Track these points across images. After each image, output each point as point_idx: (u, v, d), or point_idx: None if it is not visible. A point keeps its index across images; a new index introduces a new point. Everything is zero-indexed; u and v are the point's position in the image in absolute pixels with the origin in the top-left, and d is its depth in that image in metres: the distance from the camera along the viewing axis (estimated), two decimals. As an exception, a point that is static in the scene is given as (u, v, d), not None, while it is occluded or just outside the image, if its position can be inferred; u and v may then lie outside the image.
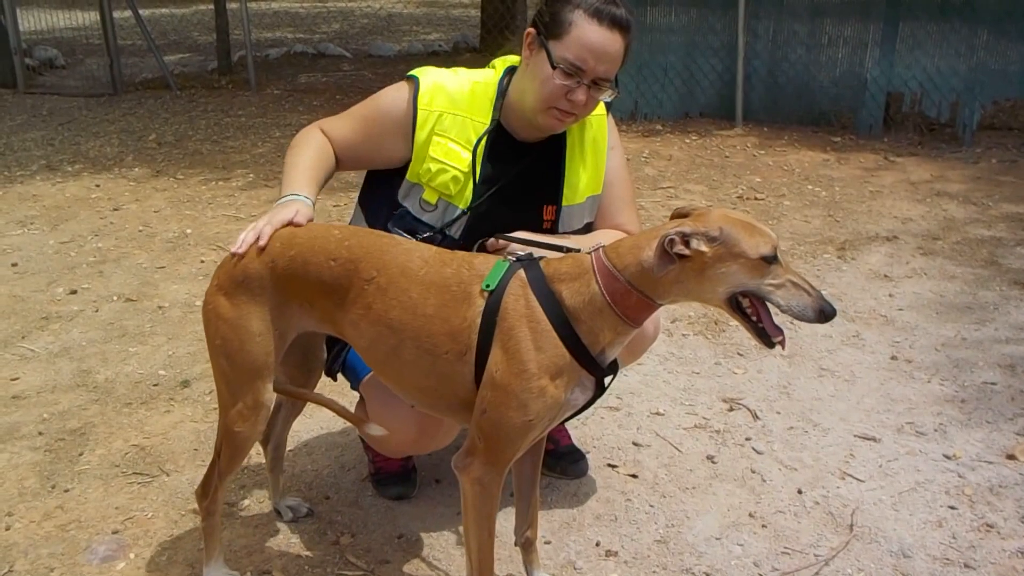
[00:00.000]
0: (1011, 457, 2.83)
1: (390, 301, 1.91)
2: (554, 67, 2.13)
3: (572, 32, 2.13)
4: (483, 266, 1.90)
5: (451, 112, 2.26)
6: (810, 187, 6.05)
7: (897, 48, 7.33)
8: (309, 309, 2.02)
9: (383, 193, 2.36)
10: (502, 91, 2.29)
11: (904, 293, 4.21)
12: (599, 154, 2.39)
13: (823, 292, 1.80)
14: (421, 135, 2.25)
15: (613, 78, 2.19)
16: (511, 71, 2.33)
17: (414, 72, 2.31)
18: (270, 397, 2.08)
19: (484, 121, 2.27)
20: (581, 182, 2.37)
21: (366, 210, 2.45)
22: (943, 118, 7.28)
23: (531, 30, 2.21)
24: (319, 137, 2.31)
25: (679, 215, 1.89)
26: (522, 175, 2.31)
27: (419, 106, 2.24)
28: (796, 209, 5.55)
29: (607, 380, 1.91)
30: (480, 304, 1.84)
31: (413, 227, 2.28)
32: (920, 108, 7.36)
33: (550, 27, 2.16)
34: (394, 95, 2.30)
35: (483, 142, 2.26)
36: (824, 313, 1.76)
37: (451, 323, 1.86)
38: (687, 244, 1.73)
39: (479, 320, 1.83)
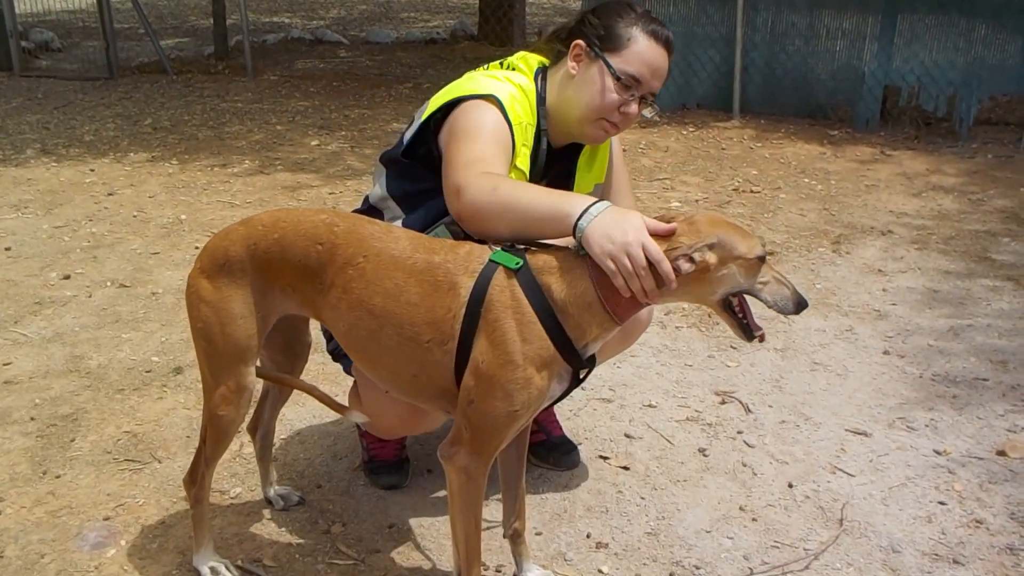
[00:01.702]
0: (1001, 453, 2.84)
1: (373, 287, 1.90)
2: (617, 78, 2.16)
3: (632, 47, 2.17)
4: (470, 256, 1.89)
5: (527, 123, 2.22)
6: (806, 180, 6.05)
7: (895, 42, 7.33)
8: (290, 293, 2.02)
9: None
10: (540, 97, 2.27)
11: (897, 288, 4.22)
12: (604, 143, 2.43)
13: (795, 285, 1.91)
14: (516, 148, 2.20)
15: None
16: (541, 72, 2.29)
17: (487, 92, 2.15)
18: (253, 380, 2.09)
19: (532, 128, 2.24)
20: (591, 172, 2.44)
21: (405, 188, 2.32)
22: (940, 112, 7.28)
23: (579, 42, 2.21)
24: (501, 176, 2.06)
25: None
26: (549, 177, 2.33)
27: (512, 123, 2.16)
28: (792, 202, 5.55)
29: (583, 373, 1.92)
30: (465, 294, 1.84)
31: None
32: (917, 102, 7.37)
33: (605, 40, 2.18)
34: (496, 119, 2.13)
35: (531, 149, 2.23)
36: (800, 305, 1.86)
37: (434, 312, 1.86)
38: (692, 260, 1.76)
39: (463, 310, 1.83)
